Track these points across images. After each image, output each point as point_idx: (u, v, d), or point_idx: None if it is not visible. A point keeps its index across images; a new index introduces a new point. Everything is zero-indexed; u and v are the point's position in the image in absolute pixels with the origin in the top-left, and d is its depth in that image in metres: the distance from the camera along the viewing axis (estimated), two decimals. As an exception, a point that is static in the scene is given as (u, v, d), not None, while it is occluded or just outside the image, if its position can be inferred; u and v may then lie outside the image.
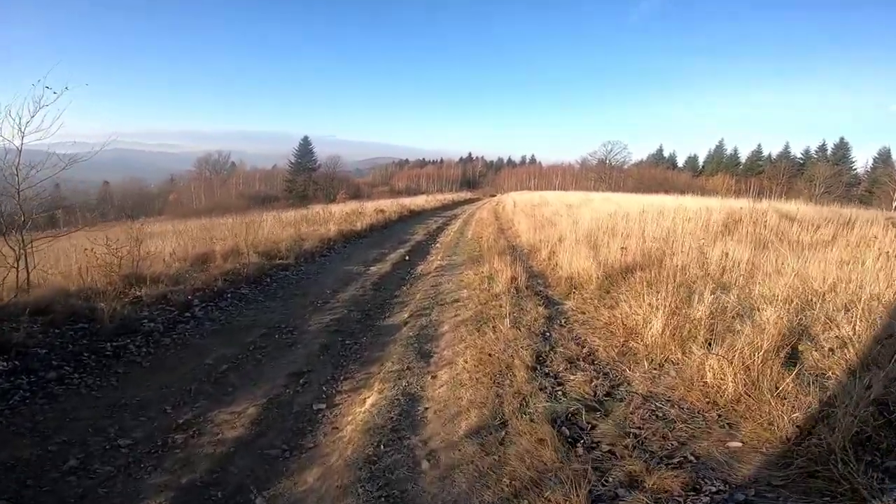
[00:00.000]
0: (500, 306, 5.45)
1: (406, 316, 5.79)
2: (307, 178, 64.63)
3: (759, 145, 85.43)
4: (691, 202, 15.49)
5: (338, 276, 8.19)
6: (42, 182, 5.92)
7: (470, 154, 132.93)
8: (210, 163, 79.25)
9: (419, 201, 33.13)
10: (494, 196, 66.92)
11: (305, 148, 64.51)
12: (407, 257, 10.27)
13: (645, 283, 5.12)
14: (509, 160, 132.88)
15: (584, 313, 5.44)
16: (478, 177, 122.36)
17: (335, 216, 17.48)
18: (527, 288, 6.33)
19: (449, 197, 45.12)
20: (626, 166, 74.56)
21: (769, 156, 77.54)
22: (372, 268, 8.97)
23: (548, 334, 4.73)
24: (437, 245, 12.43)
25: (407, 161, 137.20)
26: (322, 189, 69.86)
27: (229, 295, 6.48)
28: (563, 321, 5.20)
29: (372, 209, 20.90)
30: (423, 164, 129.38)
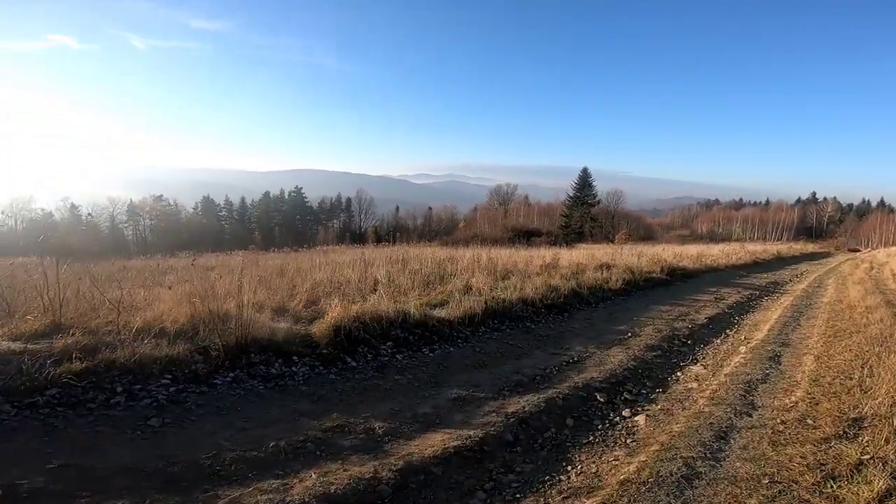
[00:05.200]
0: None
1: None
2: (584, 213, 57.03)
3: None
4: None
5: None
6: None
7: (814, 194, 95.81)
8: (500, 194, 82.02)
9: (713, 252, 20.89)
10: (857, 251, 42.54)
11: (584, 181, 56.97)
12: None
13: None
14: (882, 203, 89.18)
15: None
16: (825, 224, 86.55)
17: (512, 265, 9.77)
18: None
19: (771, 249, 28.50)
20: None
21: None
22: None
23: None
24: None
25: (717, 201, 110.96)
26: (600, 226, 60.95)
27: None
28: None
29: (594, 262, 12.06)
30: (738, 205, 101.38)
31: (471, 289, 6.69)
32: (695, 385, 4.11)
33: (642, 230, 68.83)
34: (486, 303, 5.76)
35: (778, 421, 3.17)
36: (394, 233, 74.13)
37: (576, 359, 4.62)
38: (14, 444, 2.44)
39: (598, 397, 3.66)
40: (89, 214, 59.83)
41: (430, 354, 4.45)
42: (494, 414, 3.13)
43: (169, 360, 3.32)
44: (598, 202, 58.50)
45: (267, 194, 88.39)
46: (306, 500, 2.13)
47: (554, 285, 7.50)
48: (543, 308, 6.67)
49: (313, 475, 2.34)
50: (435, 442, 2.72)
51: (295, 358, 3.71)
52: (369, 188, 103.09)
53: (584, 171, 57.06)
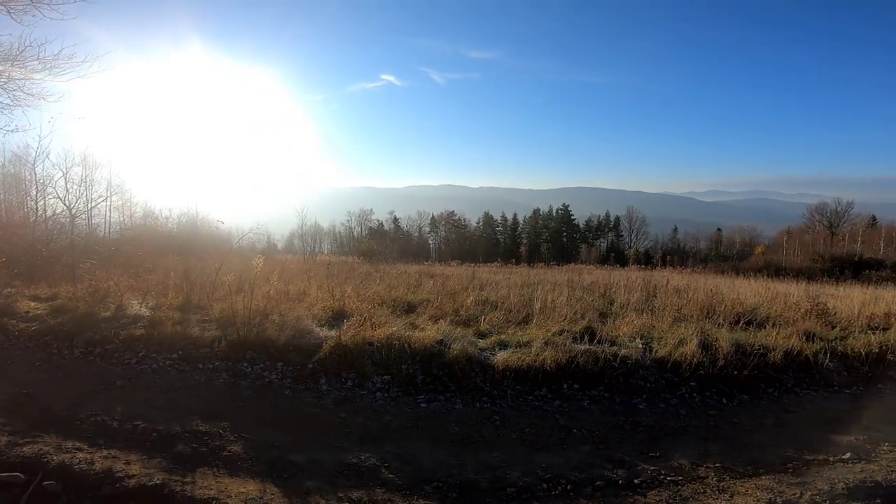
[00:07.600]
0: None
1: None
2: None
3: None
4: None
5: None
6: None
7: None
8: (824, 213, 62.28)
9: None
10: None
11: None
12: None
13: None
14: None
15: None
16: None
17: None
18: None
19: None
20: None
21: None
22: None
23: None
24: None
25: None
26: None
27: None
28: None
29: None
30: None
31: (591, 331, 5.10)
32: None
33: None
34: (574, 355, 4.24)
35: None
36: (664, 256, 65.72)
37: (638, 481, 2.77)
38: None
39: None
40: (405, 226, 77.86)
41: (423, 405, 3.66)
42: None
43: (191, 341, 3.90)
44: None
45: (536, 211, 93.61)
46: (102, 465, 2.23)
47: (757, 344, 4.81)
48: (694, 381, 4.38)
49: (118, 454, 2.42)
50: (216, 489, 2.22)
51: (280, 364, 3.75)
52: (645, 206, 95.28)
53: None
